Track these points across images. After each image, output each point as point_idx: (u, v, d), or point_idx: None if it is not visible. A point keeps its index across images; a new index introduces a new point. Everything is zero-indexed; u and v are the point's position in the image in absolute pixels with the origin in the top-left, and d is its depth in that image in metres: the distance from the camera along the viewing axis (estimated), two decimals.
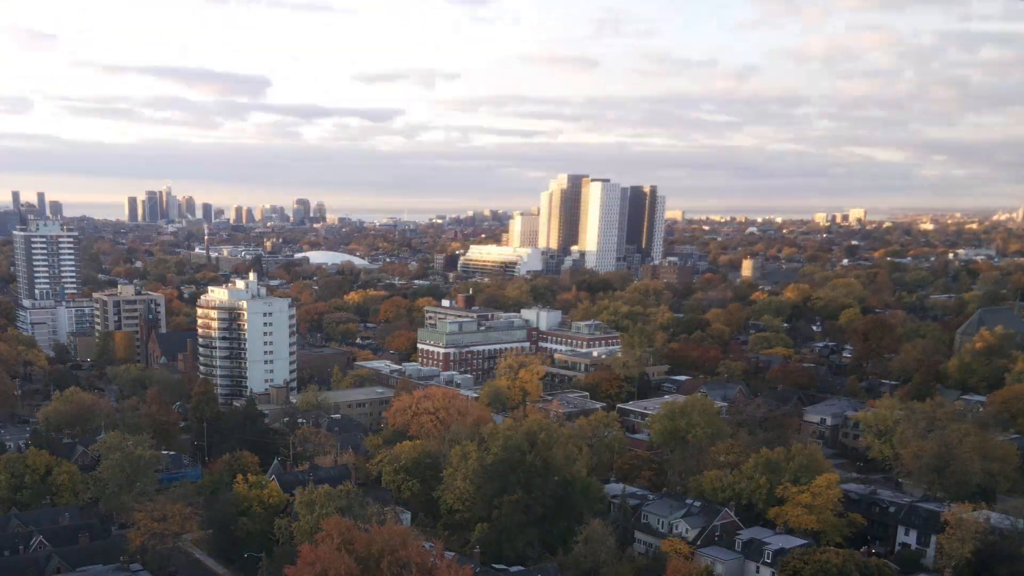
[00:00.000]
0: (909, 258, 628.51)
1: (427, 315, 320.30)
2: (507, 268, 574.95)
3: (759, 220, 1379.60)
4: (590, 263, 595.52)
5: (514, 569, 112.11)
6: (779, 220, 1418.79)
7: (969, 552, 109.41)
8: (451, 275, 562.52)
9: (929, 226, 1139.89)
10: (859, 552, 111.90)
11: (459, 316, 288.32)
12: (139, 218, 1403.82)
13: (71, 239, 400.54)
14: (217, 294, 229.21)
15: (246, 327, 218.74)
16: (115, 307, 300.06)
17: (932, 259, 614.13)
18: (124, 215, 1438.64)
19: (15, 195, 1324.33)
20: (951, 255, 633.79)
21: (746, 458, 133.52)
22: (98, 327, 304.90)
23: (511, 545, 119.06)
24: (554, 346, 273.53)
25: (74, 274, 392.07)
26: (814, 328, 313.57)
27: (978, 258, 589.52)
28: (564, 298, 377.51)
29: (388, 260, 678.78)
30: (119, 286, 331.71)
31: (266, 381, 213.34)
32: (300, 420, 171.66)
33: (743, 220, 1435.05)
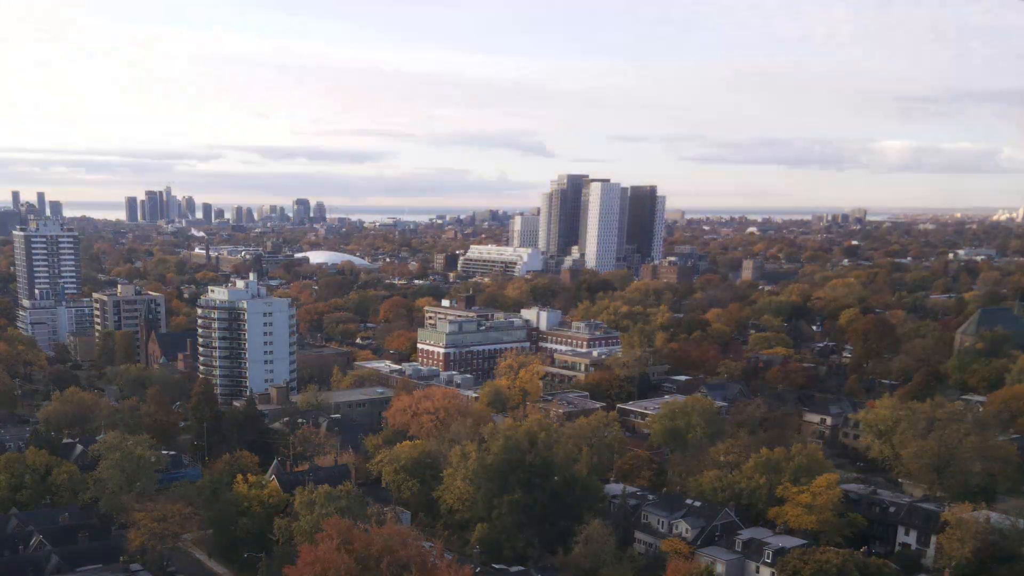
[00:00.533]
0: (909, 258, 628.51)
1: (427, 315, 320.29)
2: (507, 268, 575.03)
3: (759, 220, 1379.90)
4: (590, 263, 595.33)
5: (514, 569, 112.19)
6: (779, 220, 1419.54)
7: (969, 552, 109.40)
8: (451, 275, 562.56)
9: (929, 226, 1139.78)
10: (859, 552, 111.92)
11: (459, 316, 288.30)
12: (139, 218, 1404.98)
13: (71, 239, 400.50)
14: (217, 294, 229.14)
15: (246, 327, 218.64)
16: (115, 307, 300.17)
17: (932, 259, 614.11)
18: (124, 215, 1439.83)
19: (15, 195, 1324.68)
20: (951, 255, 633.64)
21: (746, 458, 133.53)
22: (98, 327, 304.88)
23: (511, 545, 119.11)
24: (554, 346, 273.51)
25: (74, 274, 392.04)
26: (814, 328, 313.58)
27: (978, 258, 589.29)
28: (564, 298, 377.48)
29: (388, 260, 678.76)
30: (119, 286, 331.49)
31: (266, 381, 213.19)
32: (300, 420, 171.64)
33: (743, 220, 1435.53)
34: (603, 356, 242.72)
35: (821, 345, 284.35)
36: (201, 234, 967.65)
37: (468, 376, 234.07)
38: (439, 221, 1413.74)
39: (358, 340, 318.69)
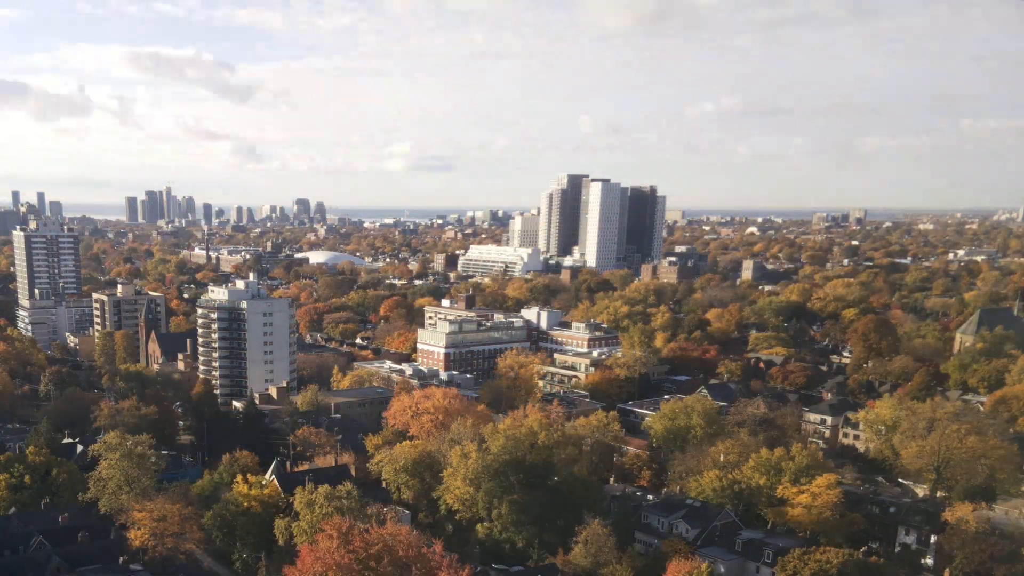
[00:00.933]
0: (909, 258, 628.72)
1: (427, 315, 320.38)
2: (507, 268, 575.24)
3: (759, 220, 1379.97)
4: (590, 263, 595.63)
5: (514, 569, 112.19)
6: (779, 220, 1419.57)
7: (969, 552, 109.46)
8: (451, 275, 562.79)
9: (929, 226, 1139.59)
10: (859, 552, 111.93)
11: (459, 316, 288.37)
12: (139, 218, 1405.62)
13: (71, 239, 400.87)
14: (217, 294, 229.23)
15: (246, 327, 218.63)
16: (115, 307, 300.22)
17: (932, 259, 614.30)
18: (124, 215, 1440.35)
19: (15, 195, 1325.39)
20: (951, 255, 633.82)
21: (746, 458, 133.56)
22: (98, 327, 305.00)
23: (511, 545, 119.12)
24: (554, 346, 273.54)
25: (74, 274, 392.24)
26: (814, 328, 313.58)
27: (978, 258, 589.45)
28: (564, 298, 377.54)
29: (388, 260, 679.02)
30: (119, 286, 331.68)
31: (266, 381, 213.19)
32: (300, 420, 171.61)
33: (743, 220, 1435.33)
34: (603, 356, 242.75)
35: (821, 345, 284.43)
36: (201, 234, 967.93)
37: (468, 376, 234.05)
38: (439, 221, 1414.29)
39: (358, 340, 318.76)
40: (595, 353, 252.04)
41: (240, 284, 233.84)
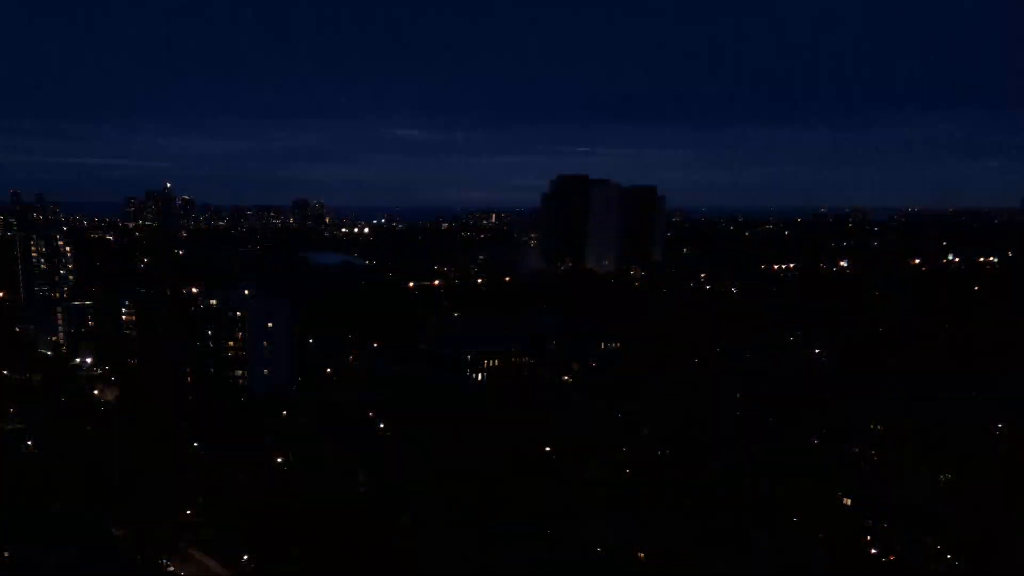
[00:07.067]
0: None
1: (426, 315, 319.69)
2: (507, 267, 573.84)
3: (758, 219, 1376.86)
4: (590, 263, 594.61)
5: None
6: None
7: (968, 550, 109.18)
8: (451, 274, 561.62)
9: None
10: None
11: (458, 316, 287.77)
12: (138, 219, 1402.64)
13: (70, 239, 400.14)
14: (217, 294, 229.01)
15: (246, 327, 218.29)
16: (115, 307, 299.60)
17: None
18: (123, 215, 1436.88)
19: (14, 195, 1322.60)
20: (951, 254, 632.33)
21: None
22: (98, 327, 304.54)
23: None
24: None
25: (74, 274, 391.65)
26: None
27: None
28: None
29: (388, 260, 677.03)
30: (120, 286, 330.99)
31: (266, 381, 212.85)
32: (300, 420, 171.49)
33: (743, 220, 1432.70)
34: None
35: None
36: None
37: None
38: (439, 220, 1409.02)
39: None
40: None
41: (240, 284, 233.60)
